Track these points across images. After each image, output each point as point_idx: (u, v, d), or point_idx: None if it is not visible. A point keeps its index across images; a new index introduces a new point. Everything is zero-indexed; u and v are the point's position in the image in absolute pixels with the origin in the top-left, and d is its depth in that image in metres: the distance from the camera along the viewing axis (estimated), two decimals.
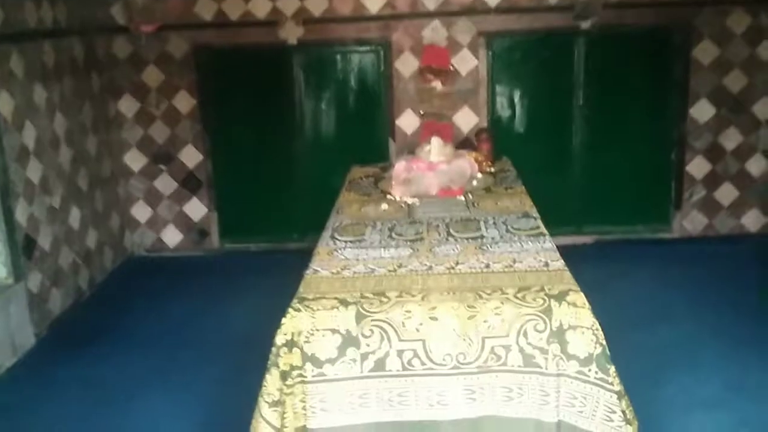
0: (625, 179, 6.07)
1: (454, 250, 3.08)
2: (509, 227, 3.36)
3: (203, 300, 5.38)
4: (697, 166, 6.02)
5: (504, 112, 6.05)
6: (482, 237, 3.24)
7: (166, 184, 6.28)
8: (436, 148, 4.54)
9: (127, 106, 6.13)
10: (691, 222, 6.13)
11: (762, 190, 6.01)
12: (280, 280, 5.57)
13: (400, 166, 4.42)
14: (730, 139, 5.95)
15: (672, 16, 5.76)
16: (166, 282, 5.83)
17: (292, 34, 5.95)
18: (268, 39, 5.95)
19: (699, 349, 4.25)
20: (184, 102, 6.12)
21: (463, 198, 3.97)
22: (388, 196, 4.09)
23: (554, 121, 6.04)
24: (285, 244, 6.26)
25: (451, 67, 5.93)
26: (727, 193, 6.05)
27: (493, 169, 4.59)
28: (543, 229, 3.34)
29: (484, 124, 6.01)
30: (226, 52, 6.05)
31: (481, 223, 3.46)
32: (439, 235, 3.31)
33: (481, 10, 5.85)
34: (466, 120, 6.02)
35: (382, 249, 3.14)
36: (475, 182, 4.28)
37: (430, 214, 3.67)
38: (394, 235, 3.34)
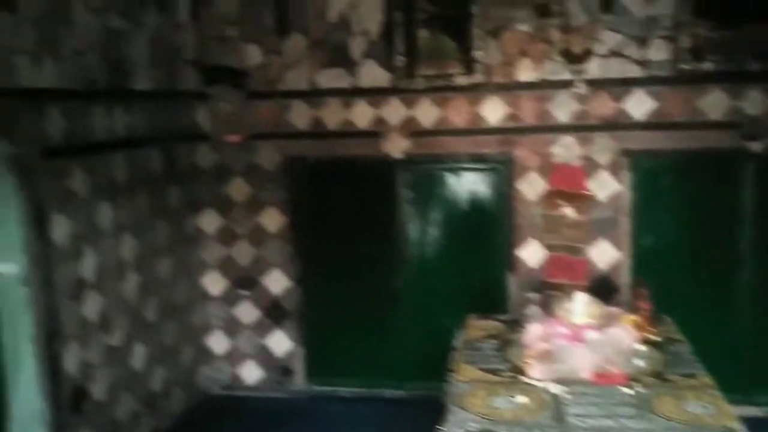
0: None
1: None
2: None
3: None
4: None
5: (650, 248, 4.97)
6: None
7: (247, 312, 5.46)
8: (581, 307, 3.53)
9: (209, 221, 5.42)
10: None
11: None
12: None
13: (535, 331, 3.43)
14: None
15: None
16: (243, 429, 4.99)
17: (397, 147, 5.15)
18: (370, 152, 5.16)
19: None
20: (273, 220, 5.36)
21: (628, 390, 2.92)
22: (524, 378, 3.09)
23: (714, 261, 4.90)
24: (379, 391, 5.30)
25: (587, 191, 4.94)
26: None
27: (657, 338, 3.52)
28: None
29: (626, 260, 4.96)
30: (322, 164, 5.29)
31: None
32: None
33: (624, 125, 4.88)
34: (604, 255, 4.96)
35: None
36: (638, 361, 3.23)
37: (587, 420, 2.64)
38: None
